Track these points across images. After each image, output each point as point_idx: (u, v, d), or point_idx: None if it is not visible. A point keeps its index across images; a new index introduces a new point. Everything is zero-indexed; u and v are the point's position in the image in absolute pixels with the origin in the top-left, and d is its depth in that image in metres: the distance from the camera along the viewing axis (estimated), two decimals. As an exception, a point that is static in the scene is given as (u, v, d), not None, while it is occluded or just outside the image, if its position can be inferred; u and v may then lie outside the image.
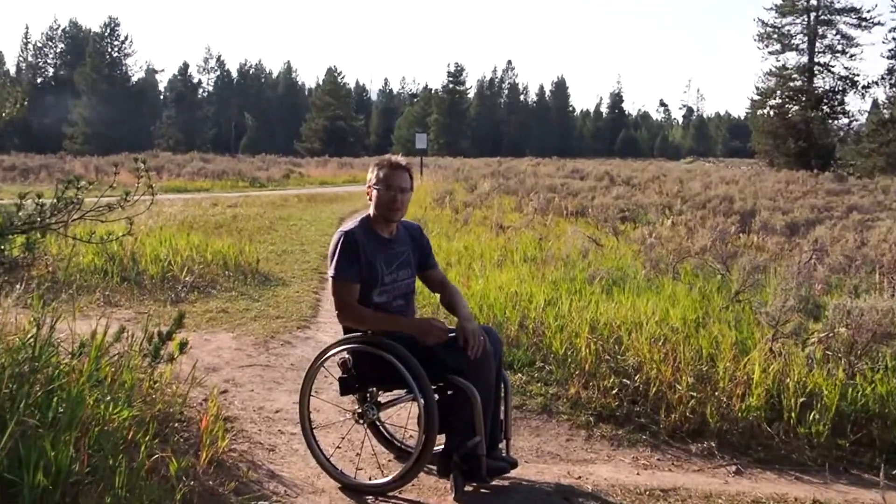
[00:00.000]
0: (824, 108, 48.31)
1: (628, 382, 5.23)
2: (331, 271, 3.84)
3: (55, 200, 4.03)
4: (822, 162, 43.91)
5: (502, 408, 4.02)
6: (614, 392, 5.14)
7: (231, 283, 8.63)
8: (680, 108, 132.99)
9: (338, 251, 3.81)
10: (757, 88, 51.21)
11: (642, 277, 8.08)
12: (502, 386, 4.01)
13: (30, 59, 79.85)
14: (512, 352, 5.88)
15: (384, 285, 3.90)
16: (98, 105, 67.79)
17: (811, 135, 46.82)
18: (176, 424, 4.50)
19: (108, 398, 3.50)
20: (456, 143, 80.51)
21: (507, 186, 22.67)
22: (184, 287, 8.28)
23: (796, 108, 48.60)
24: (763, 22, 50.28)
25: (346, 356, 3.89)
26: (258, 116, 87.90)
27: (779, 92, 49.49)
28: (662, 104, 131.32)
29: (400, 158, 4.00)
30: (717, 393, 4.95)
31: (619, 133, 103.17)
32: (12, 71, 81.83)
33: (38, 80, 77.59)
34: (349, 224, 3.98)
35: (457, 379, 3.71)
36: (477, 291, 7.11)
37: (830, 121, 48.63)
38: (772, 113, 49.33)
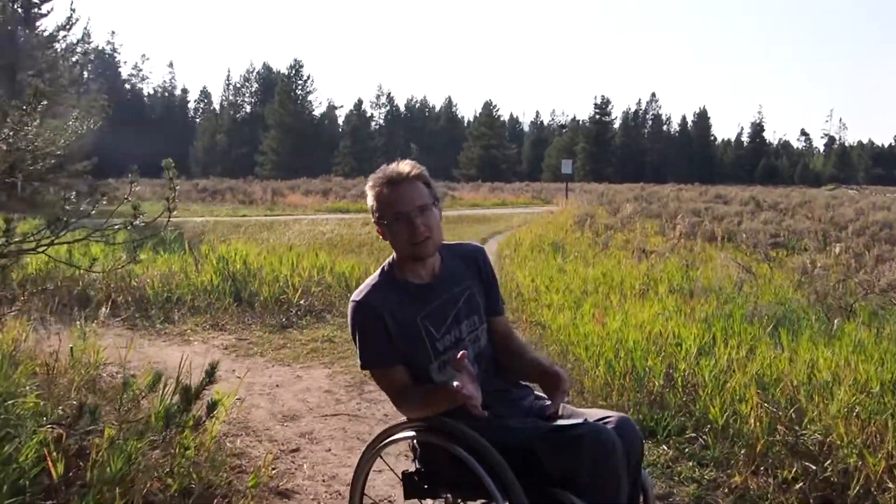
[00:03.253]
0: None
1: (815, 468, 3.46)
2: (358, 359, 2.34)
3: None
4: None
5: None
6: (798, 486, 3.38)
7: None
8: (821, 137, 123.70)
9: (356, 332, 2.29)
10: (907, 115, 46.04)
11: (814, 318, 6.13)
12: (640, 496, 2.35)
13: (230, 97, 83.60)
14: (655, 413, 4.20)
15: (441, 355, 2.30)
16: (284, 137, 69.79)
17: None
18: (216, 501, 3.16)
19: None
20: (601, 169, 77.66)
21: (650, 210, 20.57)
22: (297, 311, 7.03)
23: (951, 134, 43.22)
24: (915, 49, 45.14)
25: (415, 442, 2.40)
26: (422, 146, 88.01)
27: (932, 118, 44.21)
28: (804, 133, 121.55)
29: (402, 166, 2.27)
30: (954, 501, 3.10)
31: (759, 161, 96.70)
32: (217, 108, 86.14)
33: (237, 116, 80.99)
34: (365, 286, 2.36)
35: (567, 496, 2.07)
36: (613, 331, 5.40)
37: None
38: (924, 140, 44.10)
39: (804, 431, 3.77)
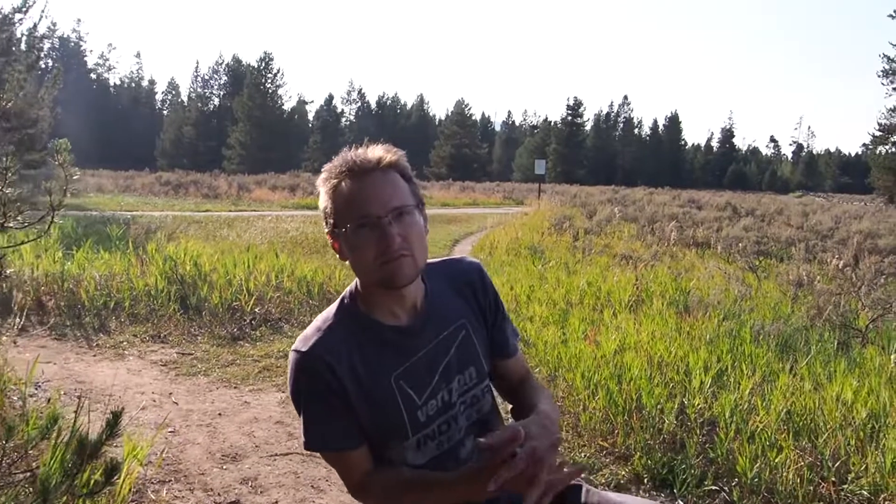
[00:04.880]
0: (950, 145, 43.12)
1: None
2: (301, 436, 1.59)
3: None
4: (945, 200, 38.92)
5: None
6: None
7: (310, 316, 6.53)
8: (790, 145, 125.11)
9: (300, 396, 1.54)
10: (879, 125, 46.14)
11: (825, 339, 5.53)
12: None
13: (199, 89, 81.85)
14: (669, 458, 3.53)
15: (422, 428, 1.58)
16: (252, 131, 68.34)
17: (935, 172, 41.77)
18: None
19: None
20: (572, 171, 77.37)
21: (626, 214, 20.02)
22: (251, 320, 6.27)
23: (921, 145, 43.54)
24: (888, 58, 45.18)
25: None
26: (393, 143, 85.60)
27: (902, 128, 44.42)
28: (773, 140, 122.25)
29: (371, 150, 1.52)
30: None
31: (728, 166, 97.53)
32: (185, 100, 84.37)
33: (205, 109, 79.28)
34: (314, 329, 1.58)
35: None
36: (610, 353, 4.73)
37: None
38: (894, 150, 44.34)
39: (843, 486, 3.15)
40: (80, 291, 6.34)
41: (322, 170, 1.54)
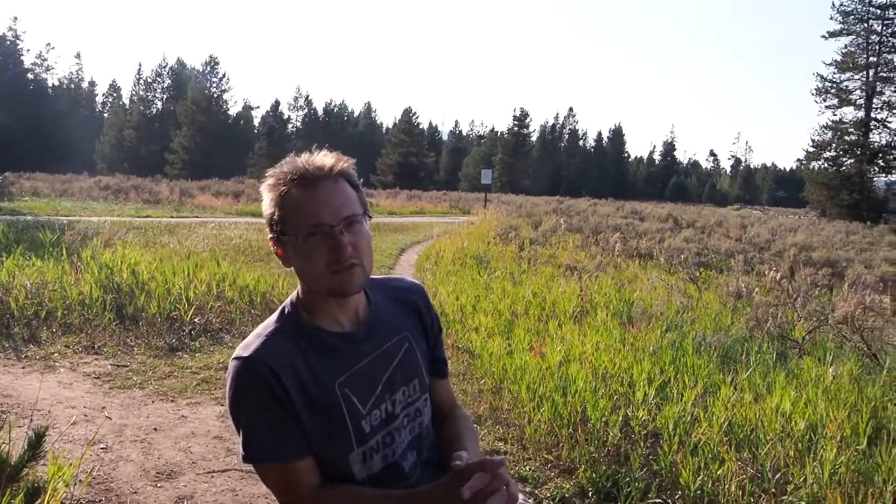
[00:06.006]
0: (879, 162, 44.83)
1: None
2: (240, 449, 1.49)
3: None
4: (874, 215, 40.35)
5: None
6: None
7: (252, 326, 6.36)
8: (729, 159, 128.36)
9: (240, 406, 1.45)
10: (812, 141, 47.80)
11: (764, 350, 5.61)
12: None
13: (141, 92, 79.95)
14: (613, 471, 3.51)
15: (366, 440, 1.51)
16: (195, 135, 67.19)
17: (864, 188, 43.41)
18: None
19: None
20: (518, 181, 78.01)
21: (571, 224, 20.21)
22: (191, 331, 6.09)
23: (851, 161, 45.16)
24: (822, 77, 46.97)
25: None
26: (340, 151, 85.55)
27: (834, 145, 46.10)
28: (712, 154, 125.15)
29: (321, 157, 1.46)
30: None
31: (670, 179, 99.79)
32: (126, 103, 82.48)
33: (148, 112, 77.60)
34: (256, 336, 1.51)
35: None
36: (555, 364, 4.71)
37: (885, 175, 45.21)
38: (826, 165, 45.95)
39: (783, 497, 3.17)
40: (10, 300, 6.08)
41: (267, 175, 1.48)
